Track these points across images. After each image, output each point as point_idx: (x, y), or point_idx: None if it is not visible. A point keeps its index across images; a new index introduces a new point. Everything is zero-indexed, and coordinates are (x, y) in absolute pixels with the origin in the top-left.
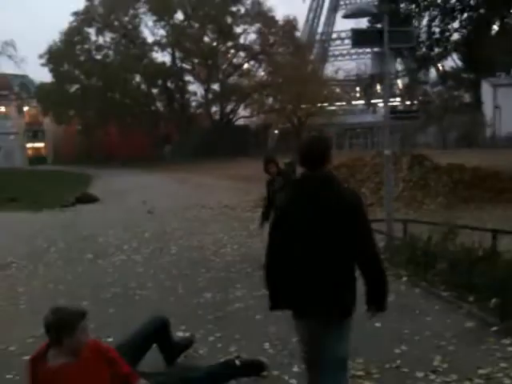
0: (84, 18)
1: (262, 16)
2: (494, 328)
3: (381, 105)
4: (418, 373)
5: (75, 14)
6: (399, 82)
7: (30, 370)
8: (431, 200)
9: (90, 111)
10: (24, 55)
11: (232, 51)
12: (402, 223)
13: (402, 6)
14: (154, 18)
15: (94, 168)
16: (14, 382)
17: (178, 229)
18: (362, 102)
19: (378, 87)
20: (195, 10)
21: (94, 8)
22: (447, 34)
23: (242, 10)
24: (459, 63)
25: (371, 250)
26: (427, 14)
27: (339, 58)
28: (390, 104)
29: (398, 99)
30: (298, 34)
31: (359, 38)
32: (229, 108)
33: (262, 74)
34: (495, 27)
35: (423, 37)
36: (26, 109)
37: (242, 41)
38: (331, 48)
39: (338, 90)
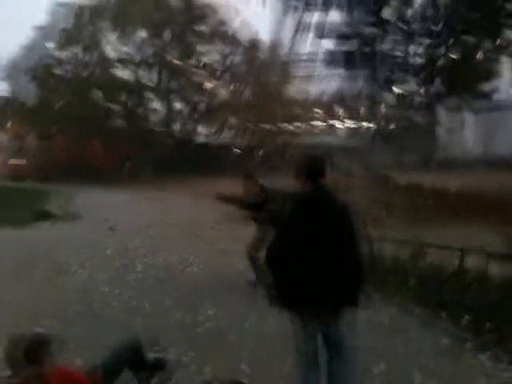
0: (45, 32)
1: (227, 35)
2: (469, 344)
3: (341, 126)
4: None
5: (36, 28)
6: (359, 105)
7: None
8: (394, 219)
9: (50, 127)
10: None
11: (196, 69)
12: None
13: (368, 29)
14: (117, 34)
15: (51, 184)
16: None
17: (142, 246)
18: (323, 122)
19: (339, 109)
20: (159, 27)
21: (55, 23)
22: (409, 57)
23: (206, 30)
24: (415, 87)
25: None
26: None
27: (301, 79)
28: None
29: (358, 122)
30: (261, 54)
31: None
32: (190, 126)
33: (225, 93)
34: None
35: (386, 60)
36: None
37: (205, 59)
38: (294, 69)
39: (299, 110)
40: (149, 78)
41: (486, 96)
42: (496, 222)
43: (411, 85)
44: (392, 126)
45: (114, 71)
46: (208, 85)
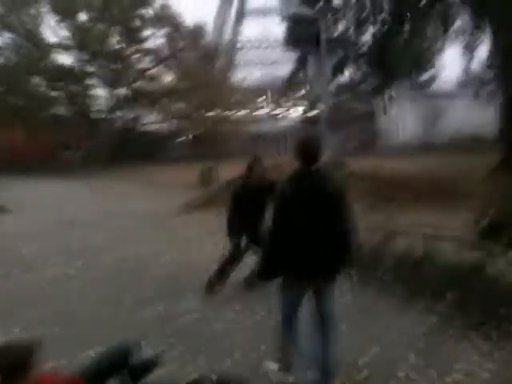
0: None
1: (170, 20)
2: (457, 322)
3: (285, 113)
4: (399, 372)
5: None
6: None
7: None
8: (356, 205)
9: None
10: None
11: (139, 55)
12: None
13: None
14: (57, 18)
15: None
16: None
17: (107, 239)
18: (271, 109)
19: (283, 96)
20: (101, 11)
21: None
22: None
23: (150, 13)
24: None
25: (352, 228)
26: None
27: (245, 66)
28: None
29: (303, 107)
30: (207, 39)
31: (296, 40)
32: (136, 113)
33: (171, 79)
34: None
35: (330, 47)
36: None
37: (149, 45)
38: (239, 55)
39: (246, 97)
40: (91, 63)
41: (424, 85)
42: (452, 206)
43: (353, 72)
44: (335, 113)
45: (54, 57)
46: (153, 71)
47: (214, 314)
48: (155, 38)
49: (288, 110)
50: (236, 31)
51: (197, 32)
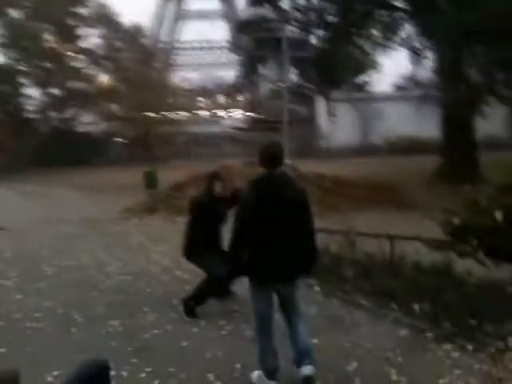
0: None
1: (106, 20)
2: (429, 334)
3: (223, 116)
4: None
5: None
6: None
7: None
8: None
9: None
10: None
11: (74, 54)
12: None
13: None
14: None
15: None
16: None
17: (44, 247)
18: (207, 112)
19: (222, 98)
20: (34, 8)
21: None
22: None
23: (86, 12)
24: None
25: (315, 231)
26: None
27: (182, 68)
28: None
29: (241, 111)
30: (144, 40)
31: (259, 44)
32: (70, 114)
33: (107, 79)
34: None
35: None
36: None
37: (85, 44)
38: (175, 57)
39: (185, 98)
40: (23, 61)
41: (363, 88)
42: (403, 207)
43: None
44: (275, 116)
45: None
46: (88, 71)
47: (177, 329)
48: (91, 38)
49: (228, 112)
50: (174, 33)
51: (134, 32)
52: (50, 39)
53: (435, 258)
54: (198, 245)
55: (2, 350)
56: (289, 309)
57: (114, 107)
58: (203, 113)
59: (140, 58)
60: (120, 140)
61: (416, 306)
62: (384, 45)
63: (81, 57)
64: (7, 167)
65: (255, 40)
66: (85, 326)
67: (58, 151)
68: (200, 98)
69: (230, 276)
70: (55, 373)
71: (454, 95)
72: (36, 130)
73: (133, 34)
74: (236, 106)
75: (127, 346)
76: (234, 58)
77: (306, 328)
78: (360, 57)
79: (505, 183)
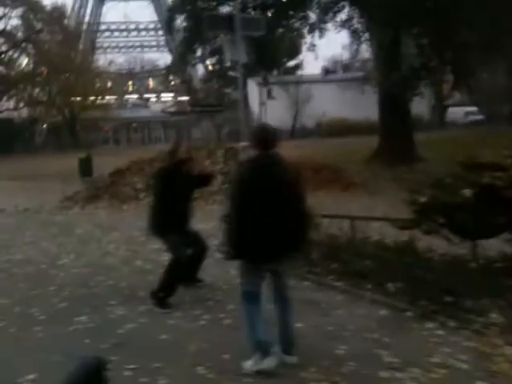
0: None
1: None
2: (409, 313)
3: (153, 100)
4: (381, 373)
5: None
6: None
7: None
8: None
9: None
10: None
11: None
12: None
13: None
14: None
15: None
16: None
17: None
18: (134, 96)
19: (151, 82)
20: None
21: None
22: None
23: None
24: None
25: (307, 209)
26: None
27: (108, 51)
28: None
29: (172, 94)
30: (67, 21)
31: (212, 23)
32: None
33: (27, 63)
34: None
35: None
36: None
37: (2, 26)
38: (100, 39)
39: (110, 83)
40: None
41: (294, 71)
42: (348, 188)
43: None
44: (205, 99)
45: None
46: (8, 54)
47: (151, 322)
48: (9, 19)
49: (157, 96)
50: (97, 14)
51: (57, 13)
52: None
53: (396, 238)
54: (164, 219)
55: None
56: (281, 290)
57: (37, 92)
58: (132, 97)
59: (63, 40)
60: (44, 126)
61: (390, 285)
62: (320, 28)
63: None
64: None
65: (205, 19)
66: (49, 324)
67: None
68: (129, 82)
69: (195, 260)
70: (29, 377)
71: (393, 77)
72: None
73: (53, 15)
74: (167, 89)
75: (102, 342)
76: (162, 40)
77: (294, 316)
78: (295, 40)
79: (468, 161)
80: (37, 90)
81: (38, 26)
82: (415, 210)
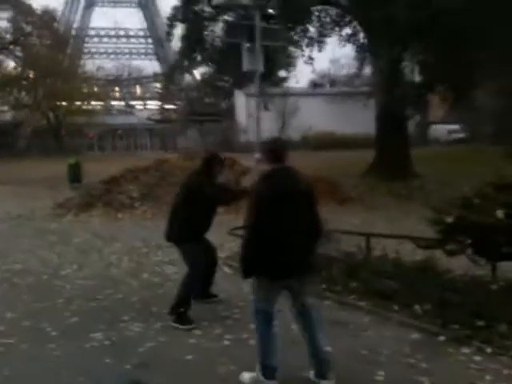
0: None
1: (15, 2)
2: (442, 338)
3: (139, 107)
4: None
5: None
6: (158, 85)
7: None
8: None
9: None
10: None
11: None
12: None
13: None
14: None
15: None
16: None
17: None
18: (121, 102)
19: (138, 89)
20: None
21: None
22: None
23: None
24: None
25: (322, 223)
26: None
27: (96, 56)
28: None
29: (158, 102)
30: (56, 25)
31: (233, 32)
32: None
33: (15, 66)
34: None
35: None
36: None
37: None
38: (88, 45)
39: (97, 88)
40: None
41: (279, 83)
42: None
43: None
44: (195, 109)
45: None
46: None
47: (172, 341)
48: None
49: (144, 103)
50: (86, 20)
51: (45, 17)
52: None
53: (411, 256)
54: (187, 228)
55: None
56: (301, 309)
57: (23, 95)
58: (118, 103)
59: (52, 44)
60: (29, 130)
61: (417, 307)
62: (319, 41)
63: None
64: None
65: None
66: (63, 340)
67: None
68: (115, 88)
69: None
70: None
71: (395, 93)
72: None
73: (43, 19)
74: (153, 97)
75: (123, 362)
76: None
77: (324, 334)
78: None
79: (500, 182)
80: (23, 93)
81: (28, 28)
82: (440, 229)
